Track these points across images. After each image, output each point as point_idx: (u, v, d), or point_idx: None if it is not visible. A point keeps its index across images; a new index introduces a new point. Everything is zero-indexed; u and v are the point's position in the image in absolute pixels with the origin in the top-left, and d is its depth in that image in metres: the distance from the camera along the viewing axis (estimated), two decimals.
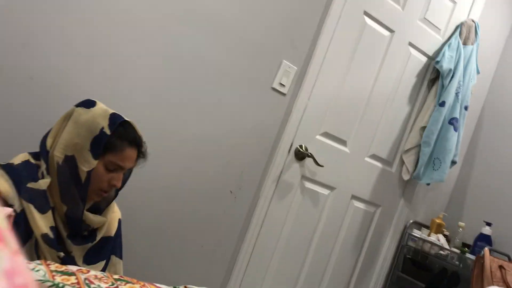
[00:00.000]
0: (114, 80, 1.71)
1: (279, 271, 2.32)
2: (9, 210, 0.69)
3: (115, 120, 1.26)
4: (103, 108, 1.29)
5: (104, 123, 1.24)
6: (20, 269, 0.24)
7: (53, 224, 1.23)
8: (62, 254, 1.24)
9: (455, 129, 2.54)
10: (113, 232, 1.42)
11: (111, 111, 1.29)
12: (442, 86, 2.52)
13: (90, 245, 1.33)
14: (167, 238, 1.96)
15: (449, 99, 2.50)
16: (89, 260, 1.34)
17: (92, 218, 1.30)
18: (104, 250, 1.39)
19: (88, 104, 1.29)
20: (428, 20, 2.53)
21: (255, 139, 2.10)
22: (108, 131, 1.23)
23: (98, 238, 1.35)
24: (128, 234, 1.59)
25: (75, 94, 1.53)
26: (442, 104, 2.50)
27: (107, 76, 1.70)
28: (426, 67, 2.59)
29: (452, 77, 2.51)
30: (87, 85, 1.65)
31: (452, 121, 2.53)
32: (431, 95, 2.59)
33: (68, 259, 1.26)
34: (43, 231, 1.19)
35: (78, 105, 1.29)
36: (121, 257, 1.48)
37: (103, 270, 1.38)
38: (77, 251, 1.30)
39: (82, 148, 1.22)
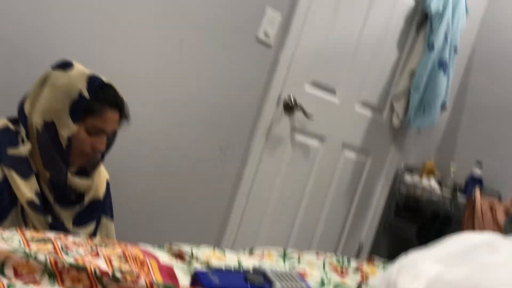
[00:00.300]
0: (89, 38, 1.63)
1: (272, 225, 2.33)
2: None
3: (94, 83, 1.22)
4: (80, 70, 1.24)
5: (82, 86, 1.20)
6: None
7: (38, 190, 1.21)
8: (49, 219, 1.22)
9: (445, 73, 2.49)
10: (101, 194, 1.40)
11: (89, 72, 1.24)
12: (431, 28, 2.44)
13: (78, 208, 1.31)
14: (158, 197, 1.94)
15: (438, 42, 2.43)
16: (79, 223, 1.33)
17: (78, 182, 1.27)
18: (93, 214, 1.38)
19: (65, 65, 1.24)
20: None
21: (242, 93, 2.04)
22: (87, 95, 1.19)
23: (86, 201, 1.33)
24: (117, 195, 1.57)
25: (49, 55, 1.45)
26: (431, 47, 2.43)
27: (80, 32, 1.61)
28: (414, 10, 2.50)
29: (440, 19, 2.43)
30: (60, 44, 1.57)
31: (442, 65, 2.48)
32: (419, 39, 2.51)
33: (56, 224, 1.24)
34: (28, 197, 1.17)
35: (54, 67, 1.25)
36: (112, 218, 1.47)
37: (94, 232, 1.38)
38: (66, 215, 1.29)
39: (61, 113, 1.18)
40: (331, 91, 2.33)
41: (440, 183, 2.67)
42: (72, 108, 1.18)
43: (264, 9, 1.99)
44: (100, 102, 1.23)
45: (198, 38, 1.86)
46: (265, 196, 2.27)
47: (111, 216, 1.47)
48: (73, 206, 1.30)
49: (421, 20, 2.51)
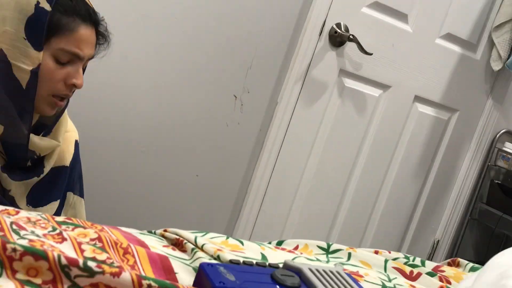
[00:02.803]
0: None
1: (307, 208, 2.35)
2: None
3: None
4: None
5: None
6: None
7: None
8: None
9: None
10: (68, 160, 1.42)
11: None
12: None
13: (36, 179, 1.33)
14: (145, 164, 1.98)
15: None
16: (36, 200, 1.35)
17: (38, 141, 1.28)
18: (56, 186, 1.40)
19: None
20: None
21: (269, 17, 2.03)
22: (47, 6, 1.18)
23: (46, 169, 1.34)
24: (89, 161, 1.59)
25: None
26: None
27: None
28: None
29: None
30: None
31: None
32: None
33: (3, 200, 1.26)
34: None
35: None
36: (81, 195, 1.49)
37: (57, 213, 1.39)
38: (18, 189, 1.30)
39: (14, 37, 1.18)
40: (401, 17, 2.29)
41: None
42: (29, 28, 1.17)
43: None
44: (67, 13, 1.21)
45: None
46: (299, 168, 2.27)
47: (81, 192, 1.49)
48: (28, 175, 1.31)
49: None
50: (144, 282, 0.69)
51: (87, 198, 1.52)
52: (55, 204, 1.39)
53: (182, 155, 2.03)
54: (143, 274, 0.78)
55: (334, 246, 1.14)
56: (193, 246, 0.93)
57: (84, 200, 1.49)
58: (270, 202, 2.24)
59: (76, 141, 1.46)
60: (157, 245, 0.93)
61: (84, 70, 1.32)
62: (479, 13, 2.47)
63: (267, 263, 0.87)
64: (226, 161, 2.12)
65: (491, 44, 2.52)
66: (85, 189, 1.51)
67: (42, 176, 1.33)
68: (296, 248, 1.13)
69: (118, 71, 1.83)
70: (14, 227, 0.77)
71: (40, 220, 0.84)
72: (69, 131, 1.43)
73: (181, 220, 2.03)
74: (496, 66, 2.52)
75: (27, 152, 1.26)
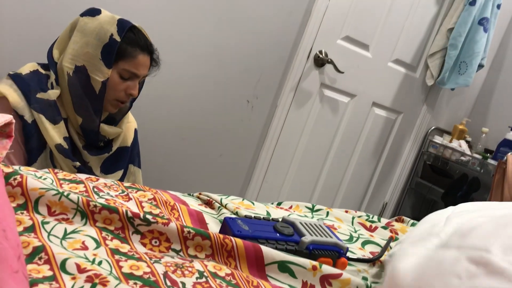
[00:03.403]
0: None
1: (296, 179, 2.33)
2: (8, 117, 0.64)
3: (124, 26, 1.20)
4: (109, 15, 1.22)
5: (113, 30, 1.17)
6: None
7: (67, 135, 1.21)
8: (78, 163, 1.23)
9: (485, 30, 2.36)
10: (129, 142, 1.41)
11: (118, 17, 1.22)
12: None
13: (106, 155, 1.32)
14: (184, 147, 1.95)
15: None
16: (107, 169, 1.34)
17: (107, 129, 1.27)
18: (121, 160, 1.39)
19: (93, 12, 1.22)
20: None
21: (272, 45, 1.99)
22: (118, 38, 1.17)
23: (114, 148, 1.34)
24: (145, 143, 1.58)
25: (80, 2, 1.44)
26: (473, 2, 2.30)
27: None
28: None
29: None
30: None
31: (482, 21, 2.35)
32: None
33: (84, 169, 1.25)
34: (57, 142, 1.17)
35: (82, 14, 1.22)
36: (139, 166, 1.48)
37: (121, 179, 1.39)
38: (94, 161, 1.30)
39: (93, 58, 1.17)
40: (364, 46, 2.25)
41: (470, 146, 2.60)
42: (104, 52, 1.16)
43: None
44: (131, 45, 1.21)
45: None
46: (291, 151, 2.25)
47: (139, 164, 1.48)
48: (101, 152, 1.30)
49: None
50: (186, 229, 0.68)
51: (143, 169, 1.50)
52: (120, 173, 1.38)
53: (210, 141, 2.01)
54: (184, 224, 0.77)
55: (317, 207, 1.13)
56: (219, 205, 0.92)
57: (141, 170, 1.49)
58: (271, 174, 2.22)
59: (135, 129, 1.45)
60: (194, 204, 0.91)
61: (141, 84, 1.31)
62: (418, 45, 2.43)
63: (270, 218, 0.86)
64: (240, 146, 2.10)
65: (427, 66, 2.48)
66: (142, 163, 1.49)
67: (111, 153, 1.33)
68: (290, 207, 1.12)
69: (166, 82, 1.80)
70: (95, 189, 0.76)
71: (113, 185, 0.83)
72: (130, 122, 1.42)
73: (209, 185, 2.02)
74: (430, 82, 2.49)
75: (99, 136, 1.26)
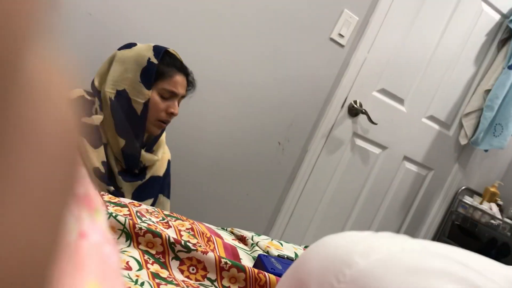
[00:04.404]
0: (168, 19, 1.69)
1: (322, 226, 2.33)
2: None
3: (160, 50, 1.29)
4: (144, 44, 1.31)
5: (150, 54, 1.26)
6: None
7: (105, 159, 1.26)
8: (112, 188, 1.28)
9: None
10: (162, 172, 1.45)
11: (153, 44, 1.30)
12: None
13: (139, 182, 1.36)
14: (213, 182, 1.99)
15: None
16: (138, 196, 1.38)
17: (145, 155, 1.33)
18: (152, 189, 1.43)
19: (129, 45, 1.32)
20: None
21: (308, 91, 2.05)
22: (155, 60, 1.25)
23: (147, 176, 1.38)
24: (176, 175, 1.62)
25: (131, 30, 1.53)
26: (511, 66, 2.34)
27: (162, 15, 1.68)
28: (498, 25, 2.41)
29: None
30: (142, 21, 1.64)
31: None
32: (500, 57, 2.42)
33: (117, 194, 1.29)
34: (95, 165, 1.23)
35: (120, 49, 1.31)
36: (168, 197, 1.52)
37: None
38: (127, 188, 1.34)
39: (132, 81, 1.24)
40: (399, 100, 2.29)
41: (501, 210, 2.57)
42: (143, 75, 1.24)
43: (342, 11, 1.98)
44: (168, 66, 1.29)
45: (272, 32, 1.89)
46: (318, 197, 2.26)
47: (168, 195, 1.52)
48: (135, 179, 1.35)
49: (505, 37, 2.42)
50: (223, 260, 0.71)
51: (172, 200, 1.54)
52: (150, 201, 1.42)
53: (238, 179, 2.04)
54: (221, 255, 0.80)
55: None
56: (252, 242, 0.95)
57: (169, 201, 1.52)
58: (296, 217, 2.23)
59: (168, 160, 1.49)
60: (228, 238, 0.95)
61: (178, 104, 1.37)
62: (453, 103, 2.46)
63: None
64: (268, 187, 2.12)
65: (461, 125, 2.50)
66: (171, 193, 1.53)
67: (144, 180, 1.37)
68: None
69: (201, 118, 1.86)
70: (138, 214, 0.80)
71: (154, 211, 0.87)
72: (165, 153, 1.47)
73: (234, 222, 2.02)
74: (463, 141, 2.50)
75: (139, 161, 1.30)
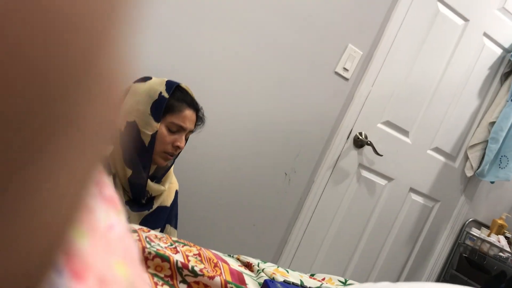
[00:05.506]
0: (179, 53, 1.75)
1: (328, 257, 2.32)
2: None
3: (172, 85, 1.32)
4: (158, 78, 1.35)
5: (162, 88, 1.29)
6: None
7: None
8: None
9: None
10: (169, 202, 1.47)
11: (166, 79, 1.35)
12: None
13: (146, 212, 1.38)
14: (220, 213, 2.00)
15: None
16: (145, 226, 1.40)
17: (152, 185, 1.35)
18: (159, 219, 1.44)
19: (144, 78, 1.36)
20: (506, 10, 2.40)
21: (314, 123, 2.09)
22: (166, 95, 1.28)
23: (154, 206, 1.40)
24: (183, 205, 1.64)
25: (147, 64, 1.59)
26: None
27: (176, 50, 1.74)
28: (500, 59, 2.47)
29: None
30: (157, 56, 1.70)
31: None
32: (503, 90, 2.46)
33: None
34: None
35: (134, 82, 1.36)
36: (176, 227, 1.53)
37: None
38: (134, 217, 1.36)
39: (143, 113, 1.27)
40: (404, 132, 2.32)
41: (510, 242, 2.55)
42: (153, 108, 1.27)
43: (346, 46, 2.04)
44: (178, 100, 1.32)
45: (279, 65, 1.94)
46: (324, 228, 2.27)
47: (175, 225, 1.53)
48: (142, 209, 1.37)
49: (507, 71, 2.46)
50: (229, 285, 0.73)
51: (179, 229, 1.56)
52: (157, 231, 1.43)
53: (245, 209, 2.06)
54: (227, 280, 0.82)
55: (349, 282, 1.15)
56: (258, 268, 0.97)
57: (177, 231, 1.54)
58: (303, 249, 2.23)
59: (176, 190, 1.51)
60: (234, 264, 0.97)
61: (186, 139, 1.40)
62: (458, 135, 2.48)
63: (308, 286, 0.90)
64: (274, 218, 2.13)
65: (466, 157, 2.51)
66: (178, 223, 1.55)
67: (151, 210, 1.38)
68: (323, 279, 1.15)
69: (209, 148, 1.89)
70: (147, 239, 0.83)
71: (163, 237, 0.90)
72: (172, 183, 1.49)
73: (241, 251, 2.04)
74: (469, 173, 2.51)
75: (145, 191, 1.33)
